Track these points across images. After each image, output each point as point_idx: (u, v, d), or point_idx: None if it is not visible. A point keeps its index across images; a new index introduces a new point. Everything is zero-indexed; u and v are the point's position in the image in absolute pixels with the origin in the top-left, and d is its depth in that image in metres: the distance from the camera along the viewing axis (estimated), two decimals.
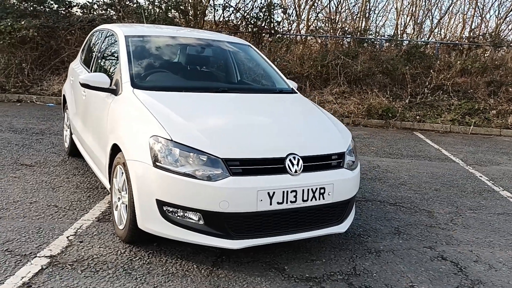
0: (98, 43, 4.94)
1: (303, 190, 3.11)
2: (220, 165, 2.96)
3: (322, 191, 3.19)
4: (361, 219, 4.32)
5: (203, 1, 14.72)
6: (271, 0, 14.67)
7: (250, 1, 14.52)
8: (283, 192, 3.04)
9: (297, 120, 3.80)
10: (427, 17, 18.51)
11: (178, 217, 3.02)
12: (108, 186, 3.81)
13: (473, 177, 6.20)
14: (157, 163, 3.00)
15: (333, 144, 3.45)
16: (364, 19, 18.09)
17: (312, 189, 3.14)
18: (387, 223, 4.26)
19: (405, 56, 12.26)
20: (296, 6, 16.49)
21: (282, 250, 3.49)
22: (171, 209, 3.01)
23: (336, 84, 11.24)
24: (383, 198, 4.99)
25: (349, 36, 13.92)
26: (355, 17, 18.20)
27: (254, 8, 13.80)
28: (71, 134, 5.45)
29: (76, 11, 13.36)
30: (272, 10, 13.78)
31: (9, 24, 11.12)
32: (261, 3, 13.82)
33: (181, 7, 13.69)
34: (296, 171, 3.11)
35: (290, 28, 16.15)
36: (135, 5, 13.47)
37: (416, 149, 7.87)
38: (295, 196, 3.09)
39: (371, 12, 18.90)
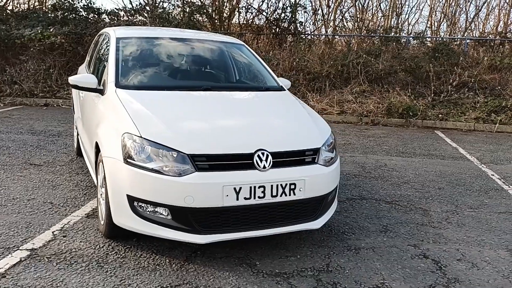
0: (98, 46, 5.11)
1: (271, 185, 3.11)
2: (186, 161, 3.02)
3: (292, 186, 3.18)
4: (350, 216, 4.28)
5: (227, 5, 14.91)
6: (295, 1, 14.67)
7: (273, 3, 14.47)
8: (250, 187, 3.06)
9: (274, 117, 3.80)
10: (460, 13, 18.04)
11: (148, 212, 3.09)
12: (96, 183, 3.94)
13: (484, 175, 5.98)
14: (128, 160, 3.09)
15: (308, 140, 3.44)
16: (394, 17, 17.82)
17: (281, 185, 3.14)
18: (377, 221, 4.19)
19: (431, 54, 11.96)
20: (323, 6, 16.41)
21: (258, 246, 3.50)
22: (141, 205, 3.09)
23: (357, 83, 11.09)
24: (380, 197, 4.91)
25: (375, 34, 13.72)
26: (382, 15, 17.96)
27: (277, 10, 13.83)
28: (77, 134, 5.65)
29: (105, 18, 13.81)
30: (295, 11, 13.77)
31: (39, 32, 11.63)
32: (283, 4, 13.77)
33: (204, 10, 13.89)
34: (264, 167, 3.12)
35: (315, 28, 16.10)
36: (160, 10, 13.80)
37: (432, 147, 7.67)
38: (263, 192, 3.10)
39: (402, 9, 18.61)
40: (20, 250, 3.29)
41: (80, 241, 3.48)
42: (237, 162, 3.10)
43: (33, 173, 5.13)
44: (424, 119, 9.94)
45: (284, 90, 4.39)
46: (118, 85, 3.81)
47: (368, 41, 13.89)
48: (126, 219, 3.16)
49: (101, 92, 3.94)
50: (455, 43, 13.98)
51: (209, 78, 4.37)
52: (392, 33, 13.74)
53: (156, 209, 3.08)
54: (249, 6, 14.42)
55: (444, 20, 18.03)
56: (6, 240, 3.45)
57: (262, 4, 15.23)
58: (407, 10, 23.60)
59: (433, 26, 19.00)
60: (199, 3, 14.59)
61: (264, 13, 13.93)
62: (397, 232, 3.96)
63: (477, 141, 8.47)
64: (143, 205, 3.09)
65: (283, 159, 3.22)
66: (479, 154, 7.28)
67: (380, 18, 18.16)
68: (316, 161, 3.38)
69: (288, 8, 13.50)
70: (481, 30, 17.76)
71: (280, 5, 14.17)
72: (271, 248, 3.50)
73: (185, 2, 13.88)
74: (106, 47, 4.61)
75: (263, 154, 3.14)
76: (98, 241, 3.50)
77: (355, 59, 11.37)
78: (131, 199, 3.09)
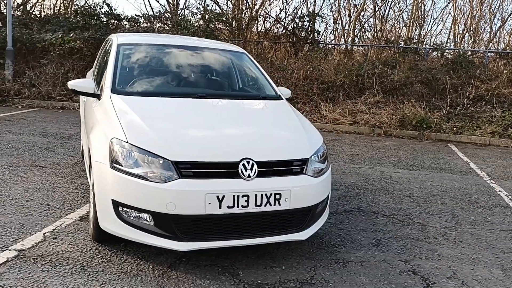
0: (103, 51, 5.19)
1: (255, 195, 3.10)
2: (171, 167, 3.02)
3: (277, 196, 3.16)
4: (344, 229, 4.22)
5: (247, 13, 15.00)
6: (314, 10, 14.68)
7: (291, 12, 14.50)
8: (234, 196, 3.05)
9: (264, 126, 3.79)
10: (484, 25, 17.74)
11: (132, 218, 3.11)
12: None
13: (491, 191, 5.84)
14: (114, 164, 3.12)
15: (296, 150, 3.41)
16: (416, 28, 17.64)
17: (266, 194, 3.12)
18: (370, 235, 4.12)
19: (450, 66, 11.78)
20: (342, 15, 16.37)
21: (245, 255, 3.48)
22: (125, 210, 3.11)
23: (371, 94, 10.99)
24: (379, 210, 4.83)
25: (393, 45, 13.58)
26: (404, 25, 17.79)
27: (296, 19, 13.83)
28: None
29: (125, 24, 14.04)
30: (314, 20, 13.76)
31: (59, 36, 11.91)
32: (301, 13, 13.78)
33: (222, 18, 13.99)
34: (249, 176, 3.10)
35: (334, 37, 16.07)
36: (180, 18, 13.96)
37: (441, 161, 7.52)
38: (247, 201, 3.08)
39: (424, 20, 18.42)
40: (9, 250, 3.35)
41: (69, 244, 3.52)
42: (221, 170, 3.09)
43: (36, 175, 5.22)
44: (438, 132, 9.77)
45: (282, 99, 4.38)
46: (114, 90, 3.86)
47: (385, 52, 13.78)
48: (111, 224, 3.18)
49: (98, 97, 4.00)
50: (476, 55, 13.74)
51: (206, 86, 4.39)
52: (412, 44, 13.57)
53: (140, 215, 3.09)
54: (267, 15, 14.47)
55: (467, 32, 17.76)
56: None
57: (280, 13, 15.22)
58: (430, 22, 23.36)
59: (456, 38, 18.76)
60: (218, 11, 14.73)
61: (282, 21, 13.94)
62: (389, 247, 3.89)
63: (491, 156, 8.28)
64: (127, 210, 3.10)
65: (269, 168, 3.20)
66: (490, 170, 7.11)
67: (402, 28, 18.02)
68: (304, 171, 3.34)
69: (306, 17, 13.49)
70: (506, 42, 17.42)
71: (299, 13, 14.21)
72: (257, 258, 3.48)
73: (205, 10, 14.01)
74: (109, 52, 4.68)
75: (248, 163, 3.12)
76: (86, 244, 3.53)
77: (371, 70, 11.27)
78: (115, 204, 3.11)
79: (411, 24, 17.49)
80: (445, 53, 13.35)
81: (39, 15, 15.00)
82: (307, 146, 3.49)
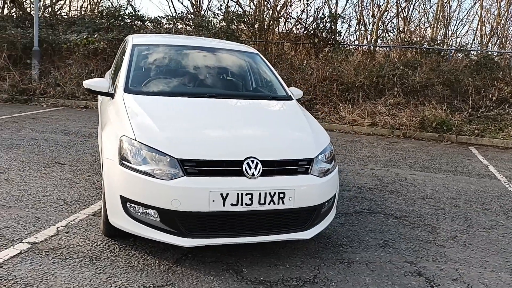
0: (120, 52, 5.32)
1: (259, 193, 3.14)
2: (176, 165, 3.10)
3: (281, 195, 3.19)
4: (352, 229, 4.22)
5: (269, 14, 15.04)
6: (336, 11, 14.62)
7: (312, 13, 14.47)
8: (238, 194, 3.10)
9: (271, 125, 3.83)
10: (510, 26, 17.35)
11: (139, 214, 3.19)
12: None
13: (508, 195, 5.74)
14: (123, 161, 3.21)
15: (302, 150, 3.44)
16: (441, 28, 17.40)
17: (270, 193, 3.16)
18: (379, 236, 4.12)
19: (474, 67, 11.58)
20: (364, 16, 16.25)
21: (250, 253, 3.53)
22: (132, 205, 3.19)
23: (391, 95, 10.89)
24: (390, 211, 4.81)
25: (415, 46, 13.42)
26: (429, 25, 17.56)
27: (317, 20, 13.80)
28: None
29: (148, 25, 14.28)
30: (336, 21, 13.71)
31: (84, 37, 12.21)
32: (322, 14, 13.74)
33: (243, 19, 14.09)
34: (253, 174, 3.15)
35: (356, 38, 15.97)
36: (203, 18, 14.11)
37: (460, 164, 7.42)
38: (250, 199, 3.13)
39: (450, 21, 18.14)
40: (23, 242, 3.48)
41: (80, 238, 3.63)
42: (226, 169, 3.15)
43: (55, 171, 5.38)
44: (459, 135, 9.62)
45: (292, 99, 4.41)
46: (127, 90, 3.96)
47: (409, 53, 13.62)
48: (119, 219, 3.28)
49: (112, 96, 4.11)
50: (502, 56, 13.46)
51: (217, 86, 4.45)
52: (435, 45, 13.38)
53: (147, 211, 3.17)
54: (288, 16, 14.49)
55: (494, 33, 17.40)
56: (12, 232, 3.65)
57: (301, 14, 15.22)
58: (456, 22, 22.95)
59: (483, 39, 18.40)
60: (240, 12, 14.83)
61: (302, 22, 13.93)
62: (397, 248, 3.88)
63: None
64: (134, 206, 3.19)
65: (273, 167, 3.24)
66: (509, 173, 6.98)
67: (426, 29, 17.78)
68: (309, 171, 3.37)
69: (327, 18, 13.45)
70: None
71: (320, 14, 14.18)
72: (262, 255, 3.52)
73: (227, 11, 14.13)
74: (124, 53, 4.79)
75: (252, 161, 3.17)
76: (97, 239, 3.64)
77: (392, 71, 11.17)
78: (123, 200, 3.20)
79: (435, 24, 17.27)
80: (470, 54, 13.13)
81: (65, 17, 15.38)
82: (313, 146, 3.51)
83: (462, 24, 24.46)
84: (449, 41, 17.19)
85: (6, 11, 15.42)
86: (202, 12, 15.37)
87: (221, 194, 3.07)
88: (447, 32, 18.12)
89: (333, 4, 15.22)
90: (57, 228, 3.80)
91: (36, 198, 4.45)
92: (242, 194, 3.11)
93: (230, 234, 3.19)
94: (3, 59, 11.61)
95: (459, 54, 13.47)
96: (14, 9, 15.32)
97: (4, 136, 6.94)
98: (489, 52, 13.40)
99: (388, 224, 4.43)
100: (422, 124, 9.82)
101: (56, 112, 9.91)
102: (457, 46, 14.34)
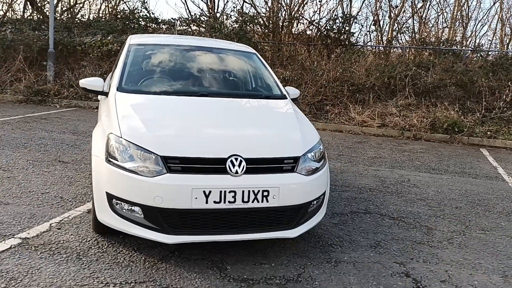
0: (120, 51, 5.39)
1: (243, 191, 3.14)
2: (159, 162, 3.12)
3: (265, 193, 3.19)
4: (345, 229, 4.18)
5: (284, 15, 15.05)
6: (350, 12, 14.53)
7: (325, 14, 14.41)
8: (221, 191, 3.11)
9: (258, 124, 3.82)
10: None
11: (124, 211, 3.22)
12: None
13: None
14: (109, 158, 3.25)
15: (288, 148, 3.43)
16: (459, 29, 17.15)
17: (253, 191, 3.16)
18: (371, 236, 4.07)
19: (490, 68, 11.36)
20: (380, 16, 16.12)
21: (237, 251, 3.53)
22: (118, 202, 3.23)
23: (403, 96, 10.76)
24: (387, 212, 4.75)
25: (430, 47, 13.24)
26: (446, 25, 17.32)
27: (330, 21, 13.73)
28: None
29: (162, 27, 14.43)
30: (349, 22, 13.63)
31: (98, 39, 12.41)
32: (335, 14, 13.67)
33: (255, 21, 14.11)
34: (237, 172, 3.15)
35: (370, 39, 15.85)
36: (213, 20, 14.20)
37: (468, 165, 7.28)
38: (234, 197, 3.13)
39: (468, 22, 17.87)
40: (14, 238, 3.55)
41: (71, 234, 3.69)
42: (209, 166, 3.16)
43: (57, 170, 5.48)
44: (471, 136, 9.46)
45: (286, 98, 4.40)
46: (119, 88, 4.01)
47: (423, 54, 13.44)
48: (106, 216, 3.31)
49: (106, 95, 4.16)
50: None
51: (211, 85, 4.46)
52: (450, 46, 13.18)
53: (132, 208, 3.20)
54: (301, 17, 14.45)
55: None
56: (6, 228, 3.72)
57: (314, 15, 15.19)
58: (476, 22, 22.54)
59: (504, 39, 18.06)
60: (254, 13, 14.87)
61: (315, 23, 13.87)
62: (388, 249, 3.83)
63: None
64: (120, 203, 3.22)
65: (258, 165, 3.24)
66: None
67: (444, 29, 17.54)
68: (295, 169, 3.35)
69: (340, 19, 13.38)
70: None
71: (333, 15, 14.10)
72: (249, 254, 3.52)
73: (239, 13, 14.18)
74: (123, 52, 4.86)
75: (236, 159, 3.17)
76: (87, 235, 3.69)
77: (404, 71, 11.04)
78: (109, 197, 3.24)
79: (452, 25, 17.01)
80: (488, 54, 12.89)
81: (82, 19, 15.66)
82: (299, 144, 3.50)
83: (481, 24, 23.99)
84: (468, 42, 16.93)
85: (26, 14, 15.81)
86: (218, 15, 15.47)
87: (204, 192, 3.08)
88: (465, 32, 17.86)
89: (347, 5, 15.17)
90: (50, 224, 3.86)
91: (35, 196, 4.53)
92: (225, 191, 3.11)
93: (214, 232, 3.20)
94: (19, 61, 11.88)
95: (475, 55, 13.24)
96: (34, 12, 15.68)
97: (14, 136, 7.09)
98: (509, 53, 13.13)
99: (383, 225, 4.38)
100: (433, 125, 9.68)
101: (68, 112, 10.09)
102: (477, 46, 14.11)
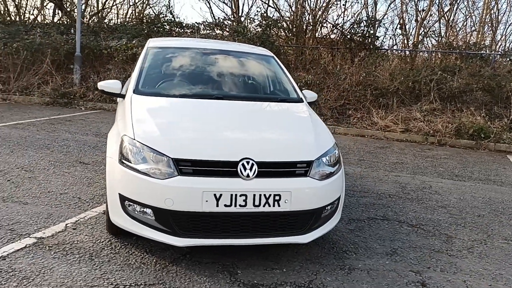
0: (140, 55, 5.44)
1: (254, 195, 3.11)
2: (171, 164, 3.11)
3: (277, 198, 3.15)
4: (361, 236, 4.10)
5: (308, 18, 14.98)
6: (374, 16, 14.36)
7: (349, 18, 14.29)
8: (232, 195, 3.08)
9: (272, 127, 3.78)
10: None
11: (136, 212, 3.23)
12: None
13: None
14: (122, 160, 3.27)
15: (301, 152, 3.38)
16: (487, 33, 16.75)
17: (265, 195, 3.12)
18: (388, 243, 3.98)
19: None
20: (405, 20, 15.88)
21: (249, 255, 3.50)
22: (130, 204, 3.24)
23: (428, 101, 10.55)
24: (406, 219, 4.64)
25: (455, 51, 12.97)
26: (475, 29, 16.93)
27: (354, 25, 13.60)
28: None
29: (186, 31, 14.56)
30: (374, 25, 13.48)
31: (123, 43, 12.60)
32: (359, 18, 13.54)
33: (278, 24, 14.09)
34: (248, 175, 3.12)
35: (395, 43, 15.62)
36: (237, 24, 14.25)
37: (493, 173, 7.07)
38: (244, 200, 3.10)
39: (498, 25, 17.43)
40: (30, 237, 3.60)
41: (86, 235, 3.72)
42: (220, 169, 3.14)
43: (78, 171, 5.55)
44: (498, 142, 9.20)
45: (302, 102, 4.35)
46: (136, 91, 4.04)
47: (449, 58, 13.17)
48: (119, 218, 3.33)
49: (124, 97, 4.20)
50: None
51: (227, 88, 4.45)
52: (478, 49, 12.87)
53: (145, 210, 3.20)
54: (325, 20, 14.37)
55: None
56: (23, 227, 3.78)
57: (338, 19, 15.06)
58: (505, 26, 21.97)
59: None
60: (277, 17, 14.85)
61: (339, 27, 13.76)
62: (404, 257, 3.73)
63: None
64: (132, 204, 3.23)
65: (270, 169, 3.20)
66: None
67: (472, 33, 17.15)
68: (308, 174, 3.30)
69: (364, 22, 13.24)
70: None
71: (358, 19, 13.97)
72: (261, 258, 3.48)
73: (262, 16, 14.19)
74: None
75: (248, 163, 3.14)
76: (101, 236, 3.72)
77: (429, 76, 10.83)
78: (122, 198, 3.26)
79: (481, 29, 16.63)
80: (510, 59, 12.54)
81: (109, 24, 15.93)
82: (313, 148, 3.44)
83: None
84: (497, 46, 16.51)
85: (56, 19, 16.17)
86: (242, 19, 15.52)
87: (215, 195, 3.06)
88: (495, 36, 17.42)
89: (372, 8, 15.00)
90: (66, 224, 3.91)
91: (53, 196, 4.60)
92: (236, 195, 3.08)
93: (224, 235, 3.17)
94: (46, 64, 12.15)
95: (504, 59, 12.90)
96: (64, 17, 16.03)
97: (38, 137, 7.24)
98: None
99: (401, 232, 4.28)
100: (458, 130, 9.46)
101: (92, 115, 10.25)
102: (504, 50, 13.74)
